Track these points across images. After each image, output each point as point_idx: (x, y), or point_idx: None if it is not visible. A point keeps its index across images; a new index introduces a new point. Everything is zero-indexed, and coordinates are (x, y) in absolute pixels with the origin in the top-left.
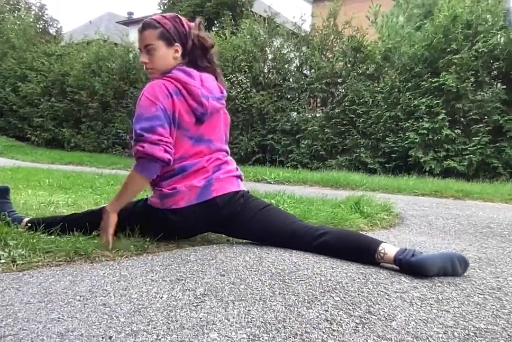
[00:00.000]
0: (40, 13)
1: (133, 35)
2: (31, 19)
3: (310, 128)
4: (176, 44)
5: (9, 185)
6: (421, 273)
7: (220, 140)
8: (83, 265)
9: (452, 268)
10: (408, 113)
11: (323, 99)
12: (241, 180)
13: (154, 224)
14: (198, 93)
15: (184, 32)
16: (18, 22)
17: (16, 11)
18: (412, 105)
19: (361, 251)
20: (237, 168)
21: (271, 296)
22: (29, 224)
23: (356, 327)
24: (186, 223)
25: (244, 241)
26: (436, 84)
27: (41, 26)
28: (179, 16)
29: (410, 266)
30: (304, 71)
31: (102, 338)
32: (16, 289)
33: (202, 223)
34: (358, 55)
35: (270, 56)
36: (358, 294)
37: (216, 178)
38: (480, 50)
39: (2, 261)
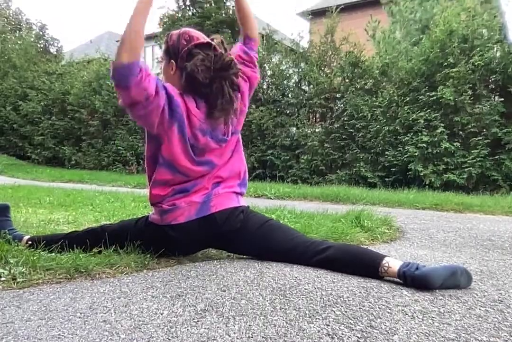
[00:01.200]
0: (41, 33)
1: None
2: (32, 39)
3: (309, 144)
4: (172, 61)
5: (9, 203)
6: (425, 286)
7: (223, 161)
8: (83, 282)
9: (455, 280)
10: (407, 127)
11: (322, 114)
12: (242, 195)
13: (155, 241)
14: (196, 124)
15: (179, 49)
16: (19, 42)
17: (18, 31)
18: (411, 119)
19: (365, 265)
20: (240, 185)
21: (272, 311)
22: (30, 242)
23: (358, 341)
24: (186, 238)
25: (244, 256)
26: (434, 98)
27: (42, 45)
28: (192, 31)
29: (414, 279)
30: (303, 87)
31: None
32: (16, 307)
33: (202, 238)
34: (356, 70)
35: (269, 73)
36: (360, 308)
37: (215, 193)
38: (476, 64)
39: (3, 278)
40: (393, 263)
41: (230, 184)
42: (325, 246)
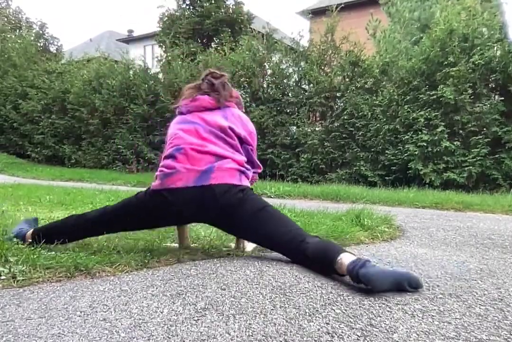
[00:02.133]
0: (41, 32)
1: (133, 52)
2: (32, 38)
3: (309, 142)
4: None
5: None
6: (368, 287)
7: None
8: (83, 281)
9: (399, 287)
10: (407, 126)
11: (322, 113)
12: (247, 177)
13: (154, 209)
14: None
15: None
16: (19, 41)
17: (18, 30)
18: (411, 118)
19: (326, 261)
20: (246, 166)
21: (272, 309)
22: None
23: (358, 339)
24: (182, 204)
25: (244, 255)
26: (434, 97)
27: (41, 44)
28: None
29: (358, 278)
30: (303, 86)
31: None
32: (16, 305)
33: (197, 208)
34: (356, 69)
35: (269, 72)
36: (359, 307)
37: (219, 166)
38: (477, 63)
39: (3, 277)
40: (345, 259)
41: (238, 161)
42: (304, 239)
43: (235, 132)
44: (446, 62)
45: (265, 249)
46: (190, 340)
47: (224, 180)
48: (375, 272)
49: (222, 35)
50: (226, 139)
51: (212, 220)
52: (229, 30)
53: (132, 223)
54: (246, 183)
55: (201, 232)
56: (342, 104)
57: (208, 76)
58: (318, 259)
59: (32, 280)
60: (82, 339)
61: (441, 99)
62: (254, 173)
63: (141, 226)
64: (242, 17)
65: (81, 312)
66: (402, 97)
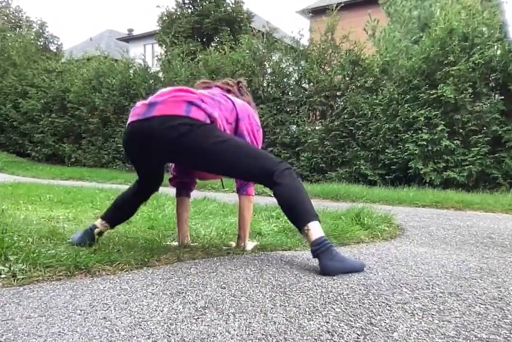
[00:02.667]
0: (40, 31)
1: (133, 51)
2: (32, 37)
3: (309, 141)
4: None
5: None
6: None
7: None
8: (83, 279)
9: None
10: (407, 125)
11: (322, 112)
12: (197, 106)
13: (130, 145)
14: None
15: None
16: (19, 40)
17: (18, 29)
18: (411, 117)
19: (294, 219)
20: (193, 93)
21: (272, 308)
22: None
23: (358, 338)
24: (137, 136)
25: (245, 253)
26: (434, 96)
27: (41, 43)
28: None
29: (319, 262)
30: (303, 85)
31: None
32: (16, 304)
33: (149, 140)
34: (356, 68)
35: (269, 71)
36: (359, 306)
37: (165, 99)
38: (477, 62)
39: (3, 276)
40: (313, 232)
41: (186, 94)
42: (278, 181)
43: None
44: (446, 61)
45: (264, 248)
46: (190, 339)
47: (166, 112)
48: (329, 267)
49: (221, 34)
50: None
51: (170, 154)
52: (229, 29)
53: (142, 166)
54: (198, 115)
55: (201, 231)
56: (342, 103)
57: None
58: (285, 209)
59: (32, 278)
60: (82, 338)
61: (441, 98)
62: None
63: (145, 166)
64: (241, 16)
65: (81, 311)
66: (402, 96)
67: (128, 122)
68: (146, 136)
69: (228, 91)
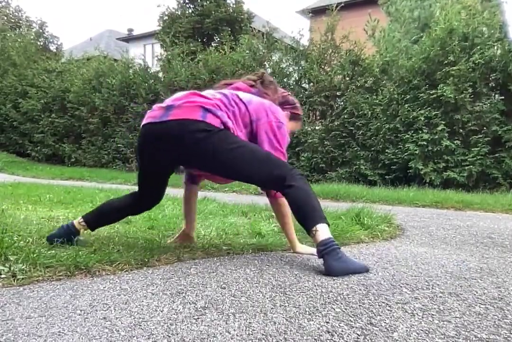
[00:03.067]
0: (40, 30)
1: (133, 51)
2: (32, 37)
3: (310, 141)
4: None
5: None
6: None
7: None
8: (83, 279)
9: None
10: (407, 125)
11: (322, 112)
12: (213, 114)
13: (143, 148)
14: None
15: None
16: (19, 40)
17: (17, 29)
18: (411, 117)
19: (303, 220)
20: (217, 105)
21: (272, 308)
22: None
23: (358, 338)
24: (150, 139)
25: (244, 253)
26: (435, 96)
27: (41, 43)
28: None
29: (324, 262)
30: (303, 85)
31: None
32: (16, 304)
33: (162, 144)
34: (356, 68)
35: (269, 71)
36: (359, 306)
37: (180, 104)
38: (477, 62)
39: (3, 276)
40: (320, 233)
41: (202, 100)
42: (291, 184)
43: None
44: (446, 61)
45: (264, 248)
46: (190, 339)
47: (182, 116)
48: (334, 267)
49: (222, 34)
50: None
51: (182, 157)
52: (229, 29)
53: (151, 173)
54: (214, 122)
55: (201, 231)
56: (342, 103)
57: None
58: (295, 210)
59: (32, 278)
60: (82, 338)
61: (441, 98)
62: None
63: (154, 173)
64: (242, 16)
65: (81, 311)
66: (402, 96)
67: (142, 124)
68: (160, 138)
69: (252, 86)
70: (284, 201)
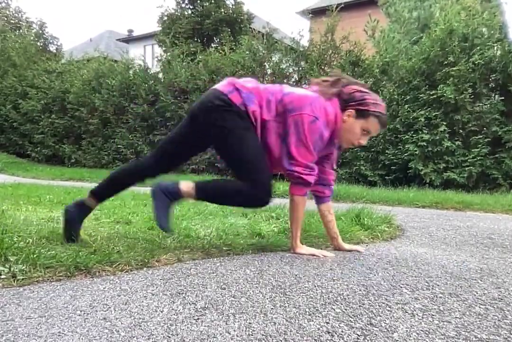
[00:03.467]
0: (40, 31)
1: (133, 52)
2: (32, 37)
3: None
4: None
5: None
6: None
7: None
8: (83, 280)
9: None
10: (407, 126)
11: None
12: (242, 96)
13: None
14: None
15: None
16: (19, 41)
17: (18, 30)
18: (411, 117)
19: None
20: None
21: (272, 308)
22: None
23: (358, 339)
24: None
25: (244, 253)
26: (434, 96)
27: (41, 44)
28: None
29: None
30: (303, 86)
31: None
32: (16, 304)
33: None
34: (356, 69)
35: (269, 71)
36: (359, 306)
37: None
38: (477, 63)
39: (3, 276)
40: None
41: (240, 82)
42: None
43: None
44: (446, 62)
45: (264, 249)
46: (190, 339)
47: (216, 86)
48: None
49: (222, 35)
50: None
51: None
52: (229, 30)
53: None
54: (235, 99)
55: (201, 231)
56: None
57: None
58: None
59: (32, 279)
60: (82, 338)
61: (441, 98)
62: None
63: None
64: (242, 17)
65: (81, 311)
66: (402, 96)
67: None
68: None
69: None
70: (296, 198)
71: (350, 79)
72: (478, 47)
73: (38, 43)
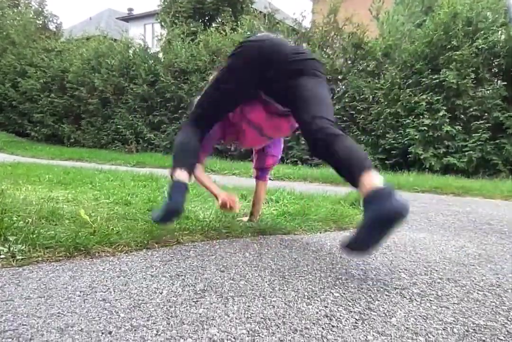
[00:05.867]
0: (40, 9)
1: (132, 31)
2: (31, 15)
3: None
4: None
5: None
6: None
7: None
8: (83, 261)
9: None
10: (408, 110)
11: None
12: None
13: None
14: None
15: None
16: (18, 18)
17: (16, 7)
18: (413, 102)
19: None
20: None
21: (270, 292)
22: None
23: (356, 323)
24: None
25: (244, 236)
26: (437, 81)
27: (41, 22)
28: None
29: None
30: None
31: (102, 333)
32: (16, 285)
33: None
34: (358, 51)
35: None
36: (358, 290)
37: None
38: (480, 47)
39: (2, 256)
40: (368, 181)
41: None
42: (338, 133)
43: None
44: (449, 46)
45: (263, 232)
46: (189, 322)
47: None
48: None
49: (223, 14)
50: None
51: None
52: (230, 9)
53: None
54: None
55: (200, 213)
56: (343, 87)
57: None
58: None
59: (32, 259)
60: (81, 319)
61: (443, 83)
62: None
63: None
64: None
65: (80, 292)
66: (404, 80)
67: None
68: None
69: None
70: (265, 183)
71: None
72: (482, 32)
73: (38, 21)
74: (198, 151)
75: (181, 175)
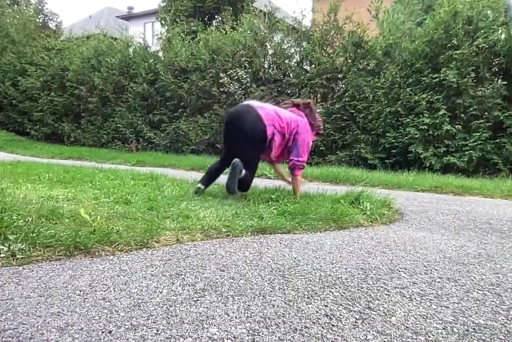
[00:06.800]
0: (39, 7)
1: (132, 29)
2: (31, 13)
3: None
4: None
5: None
6: None
7: None
8: (83, 260)
9: None
10: (408, 109)
11: (323, 94)
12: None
13: None
14: None
15: None
16: (17, 16)
17: (16, 5)
18: (413, 101)
19: None
20: None
21: (270, 291)
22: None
23: (356, 322)
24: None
25: (244, 235)
26: (437, 79)
27: (40, 20)
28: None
29: None
30: (305, 67)
31: (102, 332)
32: (16, 283)
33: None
34: (358, 50)
35: (270, 52)
36: (358, 290)
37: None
38: (480, 46)
39: (2, 255)
40: None
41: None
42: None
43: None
44: (449, 45)
45: (263, 231)
46: (189, 321)
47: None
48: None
49: (223, 13)
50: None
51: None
52: (231, 8)
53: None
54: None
55: (200, 212)
56: (343, 86)
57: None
58: None
59: (32, 258)
60: (81, 318)
61: (443, 82)
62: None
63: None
64: None
65: (80, 291)
66: (405, 79)
67: None
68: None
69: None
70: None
71: (313, 106)
72: (482, 30)
73: (37, 20)
74: (216, 173)
75: (200, 186)
